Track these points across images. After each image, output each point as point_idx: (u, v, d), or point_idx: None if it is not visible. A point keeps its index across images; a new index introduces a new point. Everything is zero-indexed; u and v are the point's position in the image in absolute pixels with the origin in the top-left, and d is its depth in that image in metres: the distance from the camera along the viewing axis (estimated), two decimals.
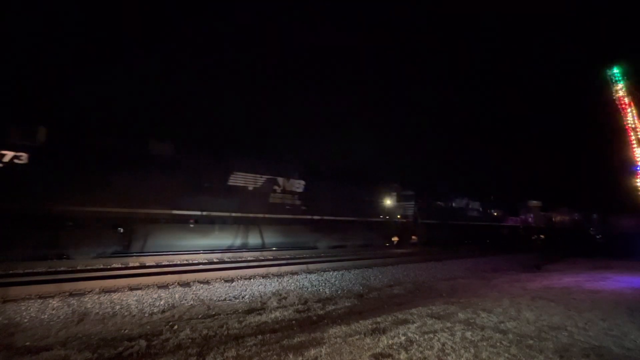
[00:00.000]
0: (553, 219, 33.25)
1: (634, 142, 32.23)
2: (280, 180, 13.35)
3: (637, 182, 32.62)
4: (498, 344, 3.82)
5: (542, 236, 30.15)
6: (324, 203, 14.49)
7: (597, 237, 36.40)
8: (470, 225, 23.79)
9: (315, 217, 14.28)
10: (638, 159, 32.09)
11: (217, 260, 10.41)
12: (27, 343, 3.97)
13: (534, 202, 31.81)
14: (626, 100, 32.83)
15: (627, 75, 33.23)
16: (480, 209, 25.73)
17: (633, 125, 32.39)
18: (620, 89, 33.36)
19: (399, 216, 18.56)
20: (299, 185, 13.92)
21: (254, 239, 12.40)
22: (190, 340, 4.07)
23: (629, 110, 32.69)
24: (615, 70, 33.71)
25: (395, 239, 18.19)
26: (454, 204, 23.57)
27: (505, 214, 28.24)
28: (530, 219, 30.13)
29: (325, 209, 14.57)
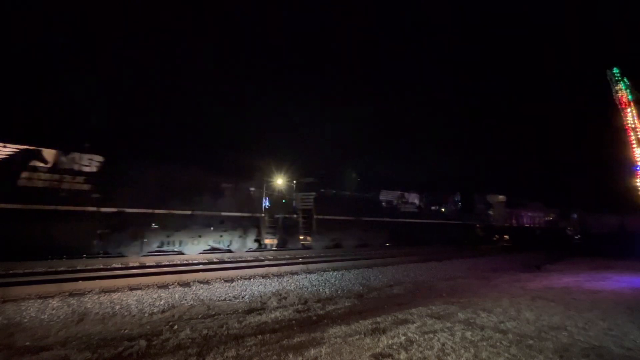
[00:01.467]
0: (522, 217, 28.57)
1: (634, 142, 32.24)
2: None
3: (637, 182, 32.63)
4: (498, 344, 3.82)
5: (506, 237, 26.02)
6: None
7: (575, 237, 33.59)
8: (403, 223, 18.71)
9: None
10: (638, 159, 32.10)
11: (217, 260, 10.42)
12: (27, 343, 3.97)
13: (498, 196, 27.28)
14: (626, 100, 32.85)
15: (627, 75, 33.21)
16: (420, 203, 21.23)
17: (633, 125, 32.40)
18: (620, 89, 33.38)
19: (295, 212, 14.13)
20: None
21: None
22: (190, 340, 4.06)
23: (629, 110, 32.70)
24: (615, 70, 33.72)
25: (268, 241, 12.83)
26: (381, 197, 19.30)
27: (459, 210, 23.84)
28: (490, 217, 25.50)
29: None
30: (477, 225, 24.65)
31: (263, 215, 12.85)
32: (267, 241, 12.84)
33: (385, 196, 19.88)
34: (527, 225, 28.90)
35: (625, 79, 33.07)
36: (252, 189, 13.04)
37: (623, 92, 33.00)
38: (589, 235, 33.08)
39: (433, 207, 22.14)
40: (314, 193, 14.77)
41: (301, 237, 14.26)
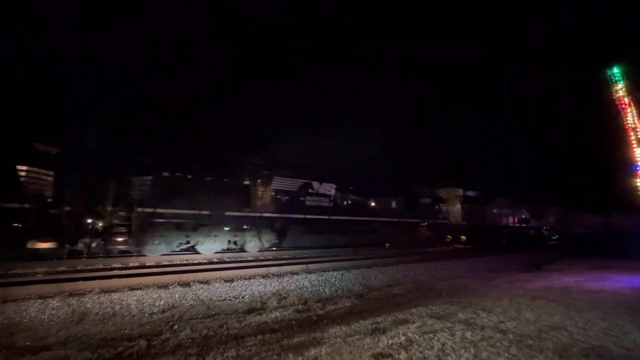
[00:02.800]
0: (485, 214, 24.26)
1: (634, 142, 32.27)
2: None
3: (637, 182, 32.66)
4: (498, 344, 3.82)
5: (462, 237, 22.19)
6: None
7: (553, 237, 30.50)
8: (302, 219, 14.08)
9: None
10: (638, 159, 32.13)
11: (217, 260, 10.41)
12: (27, 343, 3.97)
13: (453, 190, 23.10)
14: (626, 100, 32.89)
15: (627, 75, 33.28)
16: (337, 195, 15.98)
17: (633, 125, 32.43)
18: (620, 89, 33.42)
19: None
20: None
21: None
22: (190, 340, 4.07)
23: (629, 110, 32.74)
24: (615, 70, 33.76)
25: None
26: (273, 186, 13.58)
27: (400, 206, 18.68)
28: (440, 213, 20.98)
29: None
30: (422, 224, 19.52)
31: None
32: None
33: (280, 184, 13.91)
34: (492, 224, 24.45)
35: (625, 79, 33.12)
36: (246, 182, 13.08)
37: (623, 92, 33.03)
38: (569, 236, 30.14)
39: (358, 200, 17.11)
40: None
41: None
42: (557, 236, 30.91)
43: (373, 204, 17.82)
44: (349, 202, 16.80)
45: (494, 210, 25.23)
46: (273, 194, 13.47)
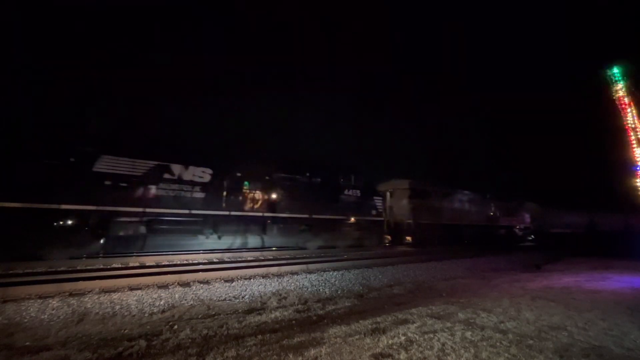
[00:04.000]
0: (441, 210, 20.55)
1: (634, 142, 32.28)
2: None
3: (637, 182, 32.66)
4: (498, 344, 3.82)
5: (408, 238, 18.43)
6: None
7: (528, 238, 27.45)
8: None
9: None
10: (638, 159, 32.14)
11: (217, 260, 10.42)
12: (27, 343, 3.97)
13: (396, 182, 19.53)
14: (626, 100, 32.91)
15: (627, 75, 33.30)
16: (215, 182, 12.14)
17: (633, 125, 32.45)
18: (620, 89, 33.44)
19: None
20: None
21: None
22: (190, 340, 4.07)
23: (628, 110, 32.76)
24: (616, 70, 33.78)
25: None
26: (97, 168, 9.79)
27: (316, 199, 14.38)
28: (374, 209, 16.85)
29: None
30: (347, 222, 15.48)
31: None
32: None
33: (114, 167, 10.13)
34: (449, 222, 20.71)
35: (625, 79, 33.14)
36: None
37: (623, 92, 33.05)
38: (547, 236, 27.27)
39: (248, 190, 12.81)
40: None
41: None
42: (532, 236, 27.70)
43: (274, 195, 13.38)
44: (234, 192, 12.43)
45: (454, 206, 21.53)
46: (103, 179, 9.79)
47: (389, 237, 18.25)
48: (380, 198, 17.42)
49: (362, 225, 15.90)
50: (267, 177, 13.39)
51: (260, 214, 12.90)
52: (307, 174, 14.66)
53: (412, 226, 18.41)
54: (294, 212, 13.74)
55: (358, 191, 16.20)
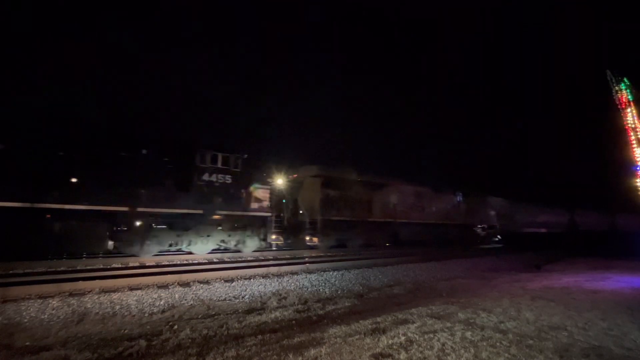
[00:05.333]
0: (370, 205, 16.71)
1: (634, 142, 32.26)
2: None
3: (637, 182, 32.63)
4: (498, 344, 3.82)
5: (314, 239, 14.62)
6: None
7: (494, 239, 24.35)
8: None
9: None
10: (638, 159, 32.12)
11: (217, 260, 10.41)
12: (27, 343, 3.97)
13: (305, 169, 15.92)
14: (626, 100, 32.90)
15: (627, 76, 33.27)
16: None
17: (633, 125, 32.43)
18: (620, 89, 33.43)
19: None
20: None
21: None
22: (190, 340, 4.07)
23: (628, 110, 32.74)
24: (616, 71, 33.76)
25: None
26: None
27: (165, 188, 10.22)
28: (257, 201, 12.22)
29: None
30: (211, 218, 11.39)
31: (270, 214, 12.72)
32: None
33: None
34: (379, 220, 16.94)
35: (625, 79, 33.13)
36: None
37: (623, 92, 33.05)
38: (517, 236, 24.27)
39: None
40: None
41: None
42: (499, 237, 24.50)
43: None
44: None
45: (388, 200, 17.63)
46: None
47: (280, 237, 13.50)
48: (268, 187, 13.00)
49: (233, 223, 11.97)
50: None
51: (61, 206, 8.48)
52: (144, 151, 10.22)
53: (318, 224, 14.42)
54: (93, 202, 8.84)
55: (229, 176, 11.81)
